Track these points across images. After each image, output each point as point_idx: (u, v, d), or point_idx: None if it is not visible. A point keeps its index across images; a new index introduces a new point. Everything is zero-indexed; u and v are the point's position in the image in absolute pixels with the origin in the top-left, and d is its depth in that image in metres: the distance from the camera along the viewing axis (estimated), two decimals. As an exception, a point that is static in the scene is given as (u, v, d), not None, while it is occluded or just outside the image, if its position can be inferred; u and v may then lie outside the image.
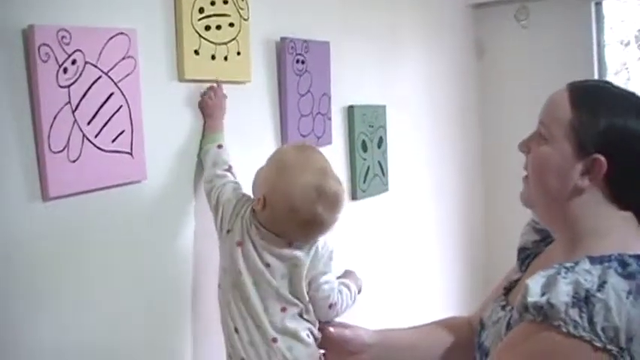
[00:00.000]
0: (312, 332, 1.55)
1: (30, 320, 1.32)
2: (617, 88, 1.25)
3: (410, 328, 1.61)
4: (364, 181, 2.41)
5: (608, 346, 1.01)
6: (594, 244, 1.15)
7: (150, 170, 1.56)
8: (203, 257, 1.73)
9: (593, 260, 1.08)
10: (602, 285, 1.04)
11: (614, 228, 1.17)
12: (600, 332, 1.01)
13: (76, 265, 1.41)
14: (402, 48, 2.84)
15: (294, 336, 1.52)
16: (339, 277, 1.64)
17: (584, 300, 1.03)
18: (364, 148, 2.42)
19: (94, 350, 1.45)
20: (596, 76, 3.57)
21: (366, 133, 2.43)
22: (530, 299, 1.07)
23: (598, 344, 1.01)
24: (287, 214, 1.49)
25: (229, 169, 1.66)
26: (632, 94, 1.21)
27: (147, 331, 1.59)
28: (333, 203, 1.51)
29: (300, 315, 1.54)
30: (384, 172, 2.57)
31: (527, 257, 1.42)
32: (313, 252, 1.53)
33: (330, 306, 1.56)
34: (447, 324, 1.60)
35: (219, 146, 1.69)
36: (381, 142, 2.54)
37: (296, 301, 1.53)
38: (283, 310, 1.52)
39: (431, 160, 3.10)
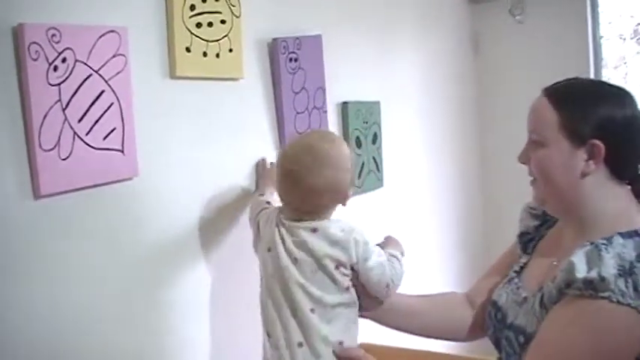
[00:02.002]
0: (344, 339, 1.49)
1: (23, 320, 1.33)
2: (586, 80, 1.46)
3: (413, 296, 1.67)
4: (359, 177, 2.41)
5: None
6: (606, 222, 1.30)
7: (142, 168, 1.56)
8: (195, 255, 1.73)
9: (624, 235, 1.23)
10: (639, 256, 1.19)
11: (621, 205, 1.33)
12: None
13: (67, 263, 1.41)
14: (397, 43, 2.84)
15: (325, 340, 1.46)
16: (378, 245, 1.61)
17: (628, 271, 1.17)
18: (358, 144, 2.42)
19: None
20: (592, 70, 3.57)
21: (361, 129, 2.43)
22: (579, 275, 1.19)
23: None
24: (277, 167, 1.55)
25: (268, 204, 1.72)
26: (601, 83, 1.43)
27: (140, 333, 1.59)
28: (315, 150, 1.51)
29: (334, 317, 1.48)
30: (378, 168, 2.57)
31: (529, 241, 1.54)
32: (332, 238, 1.48)
33: (387, 285, 1.54)
34: (447, 298, 1.71)
35: (261, 194, 1.80)
36: (375, 138, 2.54)
37: (327, 299, 1.47)
38: (312, 311, 1.46)
39: (427, 155, 3.10)
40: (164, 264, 1.65)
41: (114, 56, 1.49)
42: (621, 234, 1.24)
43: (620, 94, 1.36)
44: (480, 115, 3.73)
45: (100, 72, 1.46)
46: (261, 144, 1.94)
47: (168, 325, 1.67)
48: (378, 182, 2.58)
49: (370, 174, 2.51)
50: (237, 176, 1.86)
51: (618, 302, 1.16)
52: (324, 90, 2.18)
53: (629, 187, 1.37)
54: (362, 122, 2.44)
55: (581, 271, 1.19)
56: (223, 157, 1.81)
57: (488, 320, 1.51)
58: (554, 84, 1.40)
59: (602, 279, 1.17)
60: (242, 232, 1.88)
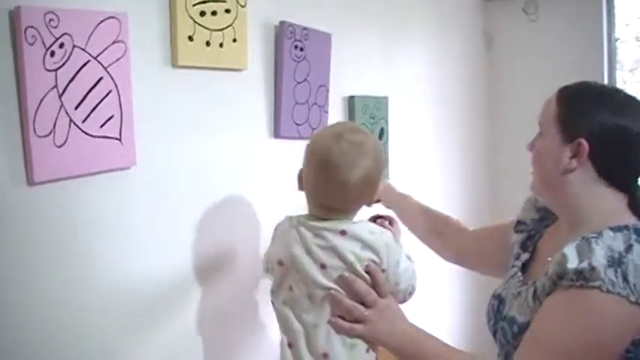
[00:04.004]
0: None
1: (17, 308, 1.31)
2: (601, 85, 1.46)
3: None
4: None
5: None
6: (597, 219, 1.33)
7: (140, 157, 1.53)
8: (192, 245, 1.71)
9: (613, 229, 1.27)
10: (628, 248, 1.23)
11: (611, 205, 1.36)
12: (633, 288, 1.19)
13: (60, 252, 1.39)
14: (407, 39, 2.81)
15: (353, 347, 1.43)
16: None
17: (617, 261, 1.21)
18: (364, 139, 2.39)
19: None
20: (605, 72, 3.53)
21: (367, 124, 2.40)
22: (571, 265, 1.23)
23: (632, 298, 1.19)
24: (307, 166, 1.46)
25: None
26: (614, 90, 1.44)
27: (138, 326, 1.58)
28: (350, 146, 1.42)
29: None
30: (385, 163, 2.54)
31: (528, 238, 1.58)
32: (364, 241, 1.42)
33: (410, 293, 1.51)
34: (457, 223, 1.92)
35: None
36: (382, 133, 2.51)
37: None
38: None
39: (435, 152, 3.08)
40: (160, 255, 1.62)
41: (113, 43, 1.46)
42: (611, 228, 1.28)
43: (625, 104, 1.37)
44: (491, 113, 3.70)
45: (99, 58, 1.43)
46: (257, 135, 1.91)
47: (163, 318, 1.65)
48: (384, 178, 2.54)
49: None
50: (234, 166, 1.83)
51: (608, 291, 1.19)
52: (327, 89, 2.15)
53: (622, 194, 1.38)
54: (369, 117, 2.41)
55: (573, 262, 1.23)
56: (221, 147, 1.79)
57: (490, 312, 1.54)
58: (572, 83, 1.43)
59: (593, 269, 1.20)
60: (242, 222, 1.86)
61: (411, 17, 2.83)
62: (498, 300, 1.52)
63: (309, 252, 1.43)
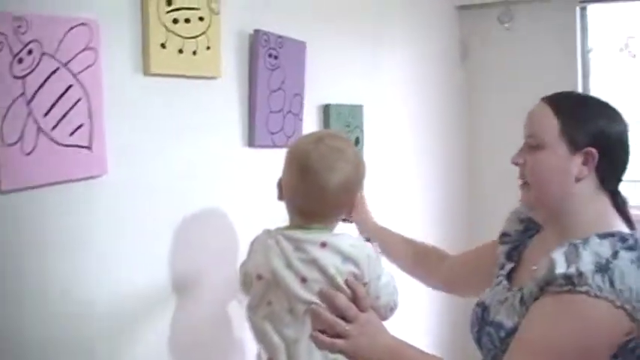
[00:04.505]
0: None
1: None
2: (581, 94, 1.66)
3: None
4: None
5: (626, 305, 1.23)
6: (585, 226, 1.37)
7: (111, 165, 1.51)
8: (166, 256, 1.69)
9: (600, 236, 1.31)
10: (615, 254, 1.28)
11: (600, 211, 1.42)
12: (619, 293, 1.23)
13: (29, 263, 1.36)
14: (383, 48, 2.81)
15: None
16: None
17: (604, 267, 1.25)
18: (340, 147, 2.39)
19: None
20: (579, 81, 3.56)
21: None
22: (559, 270, 1.26)
23: (618, 303, 1.23)
24: (287, 171, 1.46)
25: None
26: (596, 99, 1.50)
27: (109, 340, 1.55)
28: (330, 150, 1.43)
29: None
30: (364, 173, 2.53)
31: (514, 248, 1.61)
32: (344, 254, 1.40)
33: (392, 309, 1.50)
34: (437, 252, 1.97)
35: None
36: (357, 141, 2.50)
37: None
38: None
39: (411, 160, 3.07)
40: (132, 266, 1.60)
41: (84, 50, 1.44)
42: (598, 235, 1.33)
43: (613, 111, 1.46)
44: (467, 122, 3.71)
45: (69, 66, 1.41)
46: (231, 143, 1.89)
47: (137, 333, 1.63)
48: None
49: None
50: (208, 176, 1.81)
51: (596, 296, 1.23)
52: (302, 97, 2.14)
53: (608, 196, 1.45)
54: (344, 125, 2.40)
55: (561, 268, 1.27)
56: (195, 156, 1.77)
57: (474, 320, 1.56)
58: (554, 94, 1.50)
59: (580, 274, 1.24)
60: (217, 232, 1.84)
61: (387, 26, 2.83)
62: (482, 307, 1.54)
63: (289, 265, 1.42)
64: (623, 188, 1.48)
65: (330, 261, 1.39)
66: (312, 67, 2.18)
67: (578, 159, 1.41)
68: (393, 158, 2.90)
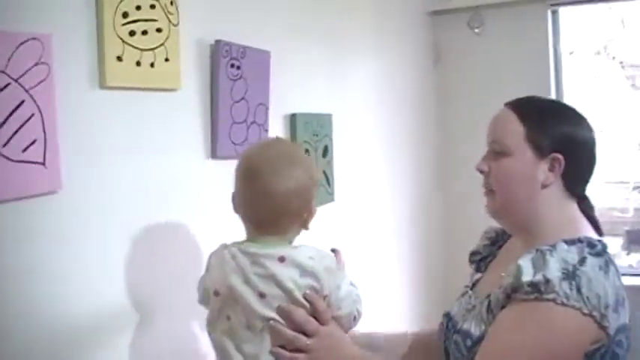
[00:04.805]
0: None
1: None
2: (547, 98, 1.56)
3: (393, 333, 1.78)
4: (307, 191, 2.36)
5: (593, 312, 1.22)
6: (553, 232, 1.36)
7: (66, 181, 1.49)
8: (123, 274, 1.66)
9: (567, 242, 1.30)
10: (582, 260, 1.26)
11: (567, 217, 1.41)
12: (586, 300, 1.22)
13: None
14: (352, 55, 2.80)
15: None
16: None
17: (571, 274, 1.23)
18: (307, 157, 2.37)
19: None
20: (552, 85, 3.58)
21: (310, 141, 2.39)
22: (526, 278, 1.24)
23: (585, 310, 1.22)
24: (235, 180, 1.43)
25: None
26: (561, 103, 1.54)
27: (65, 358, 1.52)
28: (277, 154, 1.41)
29: None
30: (329, 181, 2.52)
31: (482, 259, 1.62)
32: (303, 268, 1.37)
33: (355, 318, 1.46)
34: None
35: None
36: (326, 151, 2.49)
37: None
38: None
39: (383, 168, 3.06)
40: (88, 284, 1.56)
41: (36, 64, 1.42)
42: (565, 241, 1.31)
43: (579, 116, 1.45)
44: (439, 127, 3.71)
45: (20, 81, 1.39)
46: (193, 156, 1.87)
47: (94, 354, 1.60)
48: (329, 196, 2.53)
49: (320, 188, 2.45)
50: (168, 191, 1.78)
51: (563, 304, 1.22)
52: (267, 107, 2.12)
53: (575, 201, 1.45)
54: (311, 134, 2.39)
55: (527, 275, 1.25)
56: (155, 170, 1.75)
57: (440, 332, 1.55)
58: (517, 99, 1.48)
59: (547, 281, 1.23)
60: (179, 248, 1.82)
61: (355, 33, 2.83)
62: (447, 318, 1.53)
63: (247, 281, 1.38)
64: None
65: (288, 275, 1.36)
66: (278, 76, 2.17)
67: (544, 165, 1.40)
68: (363, 166, 2.89)
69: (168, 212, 1.79)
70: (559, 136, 1.40)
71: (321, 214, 2.44)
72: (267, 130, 2.12)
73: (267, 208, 1.40)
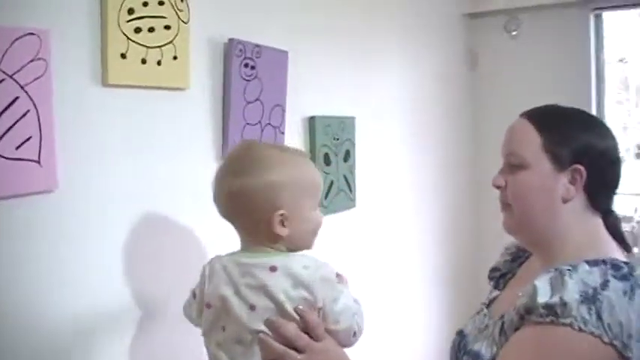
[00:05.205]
0: None
1: None
2: (570, 108, 1.39)
3: None
4: (326, 197, 2.29)
5: (614, 341, 1.11)
6: (574, 250, 1.27)
7: (62, 180, 1.45)
8: (121, 276, 1.62)
9: (590, 263, 1.19)
10: (605, 284, 1.15)
11: (591, 234, 1.31)
12: (607, 328, 1.11)
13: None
14: (380, 56, 2.72)
15: None
16: None
17: (591, 297, 1.13)
18: (327, 161, 2.30)
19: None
20: (593, 93, 3.44)
21: (330, 145, 2.32)
22: (541, 299, 1.16)
23: (606, 339, 1.11)
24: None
25: None
26: (581, 112, 1.39)
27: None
28: (253, 155, 1.33)
29: None
30: (350, 187, 2.44)
31: (502, 276, 1.54)
32: (295, 278, 1.28)
33: (355, 334, 1.36)
34: None
35: None
36: (347, 155, 2.42)
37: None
38: None
39: (409, 176, 2.96)
40: (84, 286, 1.53)
41: (32, 60, 1.39)
42: (587, 262, 1.20)
43: (600, 125, 1.37)
44: (475, 132, 3.60)
45: (15, 77, 1.36)
46: (203, 159, 1.82)
47: (91, 350, 1.56)
48: (350, 202, 2.46)
49: (340, 193, 2.38)
50: (173, 192, 1.73)
51: (580, 330, 1.12)
52: (283, 109, 2.06)
53: (599, 217, 1.35)
54: (332, 138, 2.32)
55: (543, 296, 1.17)
56: (161, 171, 1.70)
57: (451, 349, 1.48)
58: (534, 108, 1.40)
59: (564, 304, 1.14)
60: (184, 254, 1.77)
61: (384, 35, 2.75)
62: (460, 336, 1.46)
63: (237, 292, 1.31)
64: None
65: (280, 286, 1.28)
66: (296, 77, 2.11)
67: (564, 178, 1.30)
68: (387, 173, 2.80)
69: (168, 213, 1.74)
70: (579, 146, 1.30)
71: (342, 220, 2.40)
72: (283, 133, 2.06)
73: (223, 208, 1.36)
